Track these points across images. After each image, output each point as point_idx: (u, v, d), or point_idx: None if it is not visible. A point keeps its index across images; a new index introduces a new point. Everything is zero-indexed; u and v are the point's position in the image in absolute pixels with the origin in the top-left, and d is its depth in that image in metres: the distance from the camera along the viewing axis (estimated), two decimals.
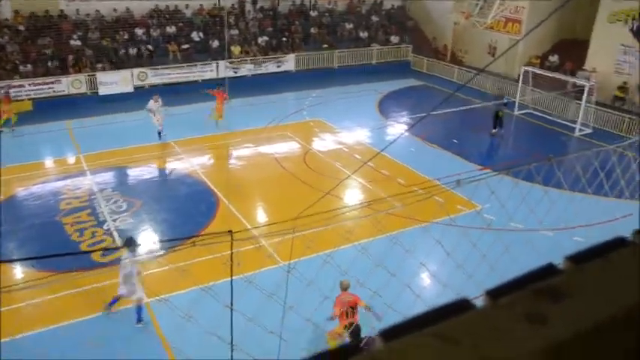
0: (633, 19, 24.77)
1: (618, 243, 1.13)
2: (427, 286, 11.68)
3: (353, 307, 9.35)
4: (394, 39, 34.91)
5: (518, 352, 0.78)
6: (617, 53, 25.55)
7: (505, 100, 23.04)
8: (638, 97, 24.41)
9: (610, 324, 0.84)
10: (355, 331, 7.65)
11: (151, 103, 20.91)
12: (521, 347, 0.79)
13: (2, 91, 23.38)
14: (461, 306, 0.90)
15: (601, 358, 0.82)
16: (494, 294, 0.94)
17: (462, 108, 25.11)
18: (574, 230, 13.69)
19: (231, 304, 4.79)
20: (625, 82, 25.09)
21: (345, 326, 9.24)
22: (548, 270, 1.02)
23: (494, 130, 22.61)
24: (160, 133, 20.98)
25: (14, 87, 24.61)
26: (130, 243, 10.88)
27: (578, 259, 1.06)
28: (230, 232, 4.31)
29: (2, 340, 9.91)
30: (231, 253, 4.53)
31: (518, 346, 0.79)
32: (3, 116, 22.68)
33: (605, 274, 0.98)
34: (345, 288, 9.45)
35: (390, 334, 0.81)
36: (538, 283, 0.95)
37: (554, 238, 13.55)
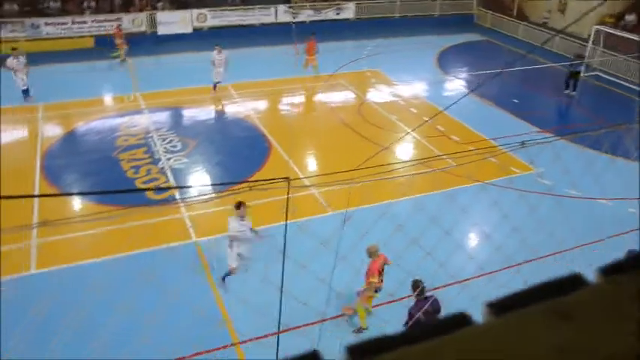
0: None
1: None
2: (480, 248, 11.51)
3: (382, 270, 9.09)
4: None
5: (631, 331, 0.72)
6: None
7: (584, 61, 21.98)
8: None
9: None
10: (417, 287, 7.58)
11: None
12: (634, 326, 0.73)
13: (115, 25, 24.20)
14: (574, 281, 0.84)
15: None
16: (498, 308, 0.83)
17: (526, 67, 24.14)
18: (632, 202, 13.19)
19: (284, 249, 4.84)
20: None
21: (376, 290, 8.98)
22: (575, 281, 0.92)
23: (567, 91, 21.75)
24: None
25: (77, 23, 25.09)
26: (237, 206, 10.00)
27: (610, 270, 0.96)
28: (287, 178, 4.30)
29: (56, 267, 10.45)
30: (287, 200, 4.54)
31: (632, 325, 0.73)
32: (118, 48, 23.57)
33: None
34: (374, 252, 8.81)
35: (499, 307, 0.76)
36: (552, 298, 0.84)
37: (611, 208, 13.09)
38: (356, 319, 8.88)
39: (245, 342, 8.69)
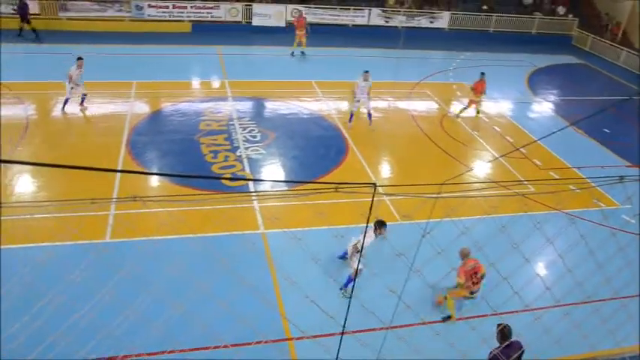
0: None
1: None
2: (558, 280, 10.99)
3: (477, 273, 9.20)
4: (560, 10, 32.35)
5: None
6: None
7: None
8: None
9: None
10: (504, 333, 7.23)
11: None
12: None
13: (297, 15, 25.74)
14: None
15: None
16: None
17: (624, 97, 22.94)
18: None
19: (360, 251, 4.77)
20: None
21: (472, 292, 9.20)
22: None
23: None
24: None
25: (177, 8, 26.06)
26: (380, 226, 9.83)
27: None
28: (374, 184, 4.25)
29: (135, 239, 10.85)
30: (371, 206, 4.48)
31: None
32: (296, 39, 24.56)
33: None
34: (465, 255, 9.25)
35: None
36: None
37: None
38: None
39: (299, 338, 8.70)
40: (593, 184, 12.98)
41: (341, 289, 9.92)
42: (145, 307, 7.51)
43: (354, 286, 9.19)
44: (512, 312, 8.58)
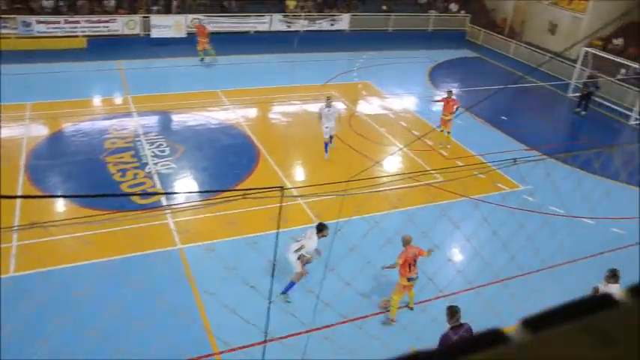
0: None
1: None
2: (469, 263, 11.53)
3: (416, 260, 9.47)
4: (453, 7, 33.92)
5: None
6: None
7: (597, 81, 22.28)
8: None
9: None
10: (453, 311, 7.54)
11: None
12: None
13: (196, 22, 25.13)
14: (606, 301, 0.82)
15: None
16: (533, 325, 0.80)
17: (516, 85, 24.37)
18: (616, 221, 13.35)
19: (274, 260, 4.80)
20: None
21: (409, 279, 9.45)
22: (604, 300, 0.90)
23: (578, 109, 22.12)
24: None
25: (69, 23, 24.97)
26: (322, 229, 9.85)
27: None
28: (281, 187, 4.27)
29: (38, 270, 10.29)
30: (280, 209, 4.51)
31: None
32: (199, 47, 24.04)
33: None
34: (407, 242, 9.43)
35: (535, 324, 0.74)
36: (587, 316, 0.82)
37: (594, 227, 13.22)
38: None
39: (225, 352, 8.59)
40: (493, 169, 13.70)
41: (282, 293, 9.78)
42: (61, 340, 7.16)
43: (288, 289, 9.21)
44: (427, 300, 8.92)
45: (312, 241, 9.59)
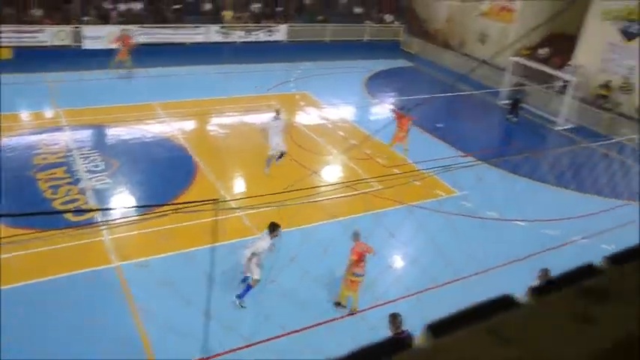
0: (623, 18, 24.88)
1: None
2: (406, 269, 11.71)
3: (364, 257, 9.57)
4: (388, 18, 34.67)
5: (572, 353, 0.74)
6: (604, 51, 25.71)
7: (524, 88, 23.18)
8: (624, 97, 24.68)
9: None
10: (395, 318, 7.61)
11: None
12: (573, 347, 0.75)
13: (122, 34, 24.08)
14: (505, 302, 0.85)
15: None
16: (538, 292, 0.89)
17: (449, 94, 25.07)
18: (546, 223, 13.91)
19: (211, 274, 4.72)
20: (609, 81, 25.27)
21: (356, 274, 9.51)
22: (589, 270, 0.98)
23: (509, 116, 22.94)
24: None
25: None
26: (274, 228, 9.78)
27: (617, 259, 1.03)
28: (215, 200, 4.21)
29: None
30: (215, 222, 4.45)
31: (570, 345, 0.75)
32: (118, 57, 23.22)
33: None
34: (358, 237, 9.58)
35: (438, 329, 0.76)
36: (580, 282, 0.91)
37: (526, 229, 13.73)
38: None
39: None
40: (430, 175, 14.02)
41: (237, 297, 9.42)
42: None
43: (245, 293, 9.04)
44: (368, 309, 8.99)
45: (264, 242, 9.47)
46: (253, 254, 9.45)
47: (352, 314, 9.84)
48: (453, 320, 0.77)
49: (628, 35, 24.85)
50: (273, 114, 15.74)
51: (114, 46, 23.75)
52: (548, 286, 0.90)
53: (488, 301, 0.85)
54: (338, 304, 9.93)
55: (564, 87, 23.62)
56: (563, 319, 0.82)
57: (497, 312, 0.82)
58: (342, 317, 9.49)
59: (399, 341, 0.75)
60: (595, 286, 0.88)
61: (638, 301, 0.87)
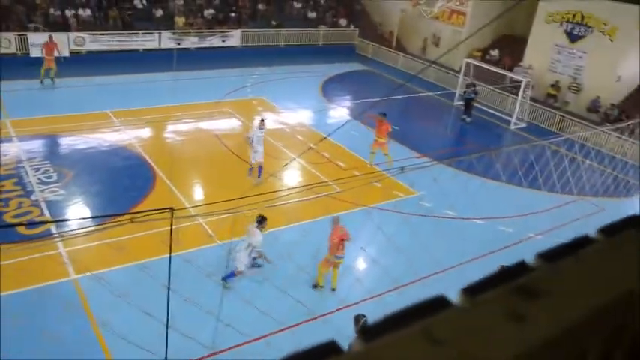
0: (567, 20, 25.75)
1: (585, 241, 1.14)
2: (367, 271, 11.81)
3: (344, 240, 10.03)
4: (342, 22, 34.89)
5: (501, 352, 0.76)
6: (551, 52, 26.55)
7: (476, 89, 23.60)
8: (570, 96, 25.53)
9: (585, 323, 0.84)
10: (359, 320, 7.75)
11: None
12: (503, 347, 0.77)
13: (47, 40, 23.25)
14: (439, 303, 0.87)
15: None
16: (471, 291, 0.92)
17: (405, 96, 25.40)
18: (502, 220, 14.23)
19: (169, 283, 4.66)
20: (557, 81, 26.11)
21: (337, 256, 10.11)
22: (521, 267, 1.02)
23: (463, 117, 23.37)
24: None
25: None
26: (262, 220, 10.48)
27: (550, 256, 1.06)
28: (171, 209, 4.17)
29: None
30: (171, 231, 4.41)
31: (500, 345, 0.77)
32: (45, 66, 22.50)
33: (577, 272, 0.98)
34: (336, 222, 10.27)
35: (370, 332, 0.77)
36: (513, 280, 0.94)
37: (483, 227, 14.02)
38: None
39: None
40: (388, 177, 14.17)
41: (224, 278, 9.83)
42: None
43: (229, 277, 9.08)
44: (330, 312, 9.01)
45: (256, 236, 10.02)
46: (251, 246, 10.05)
47: (334, 290, 10.35)
48: (385, 323, 0.79)
49: (573, 37, 25.74)
50: (257, 123, 15.83)
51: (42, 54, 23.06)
52: (482, 285, 0.94)
53: (423, 302, 0.88)
54: (315, 285, 10.36)
55: (516, 87, 24.26)
56: (495, 318, 0.84)
57: (432, 313, 0.85)
58: (314, 318, 9.47)
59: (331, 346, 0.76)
60: (526, 283, 0.92)
61: (567, 298, 0.91)
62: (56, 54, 22.91)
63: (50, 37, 23.57)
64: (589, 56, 25.06)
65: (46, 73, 22.71)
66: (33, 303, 9.92)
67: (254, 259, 10.40)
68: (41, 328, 8.81)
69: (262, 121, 15.90)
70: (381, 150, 17.33)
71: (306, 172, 16.85)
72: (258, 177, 15.60)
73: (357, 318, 7.78)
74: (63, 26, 26.30)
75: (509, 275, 0.97)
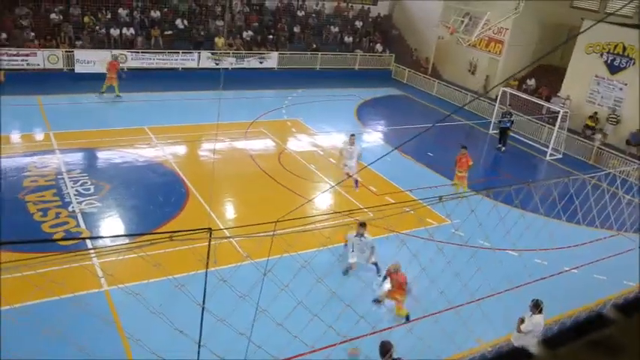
0: (608, 51, 25.41)
1: None
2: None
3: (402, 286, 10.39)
4: (378, 47, 35.10)
5: None
6: (590, 83, 26.18)
7: (512, 118, 23.38)
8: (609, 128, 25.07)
9: None
10: (387, 351, 7.73)
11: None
12: None
13: (111, 57, 24.55)
14: (520, 356, 0.86)
15: None
16: (550, 344, 0.90)
17: (449, 124, 25.31)
18: (538, 253, 13.94)
19: (203, 302, 4.68)
20: (595, 113, 25.69)
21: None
22: (599, 319, 0.98)
23: (499, 146, 23.17)
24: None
25: None
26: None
27: (626, 309, 1.03)
28: (209, 229, 4.20)
29: None
30: (208, 252, 4.42)
31: None
32: (107, 82, 23.39)
33: None
34: (396, 271, 10.64)
35: (552, 342, 0.80)
36: (591, 334, 0.91)
37: (518, 259, 13.75)
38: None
39: None
40: (422, 205, 14.04)
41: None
42: None
43: None
44: (361, 336, 8.92)
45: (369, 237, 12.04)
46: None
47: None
48: (563, 335, 0.82)
49: (613, 69, 25.36)
50: (347, 139, 16.96)
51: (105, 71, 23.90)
52: (561, 338, 0.92)
53: (504, 354, 0.86)
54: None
55: (552, 117, 23.94)
56: None
57: (598, 327, 0.86)
58: (335, 344, 9.38)
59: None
60: (605, 338, 0.89)
61: None
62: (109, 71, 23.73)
63: (114, 57, 24.49)
64: (629, 88, 24.63)
65: (108, 89, 23.55)
66: (63, 313, 10.04)
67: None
68: (70, 337, 8.89)
69: (352, 136, 16.75)
70: (460, 183, 17.15)
71: (338, 196, 16.81)
72: (355, 187, 16.47)
73: (384, 346, 7.66)
74: (107, 44, 27.08)
75: (588, 327, 0.94)
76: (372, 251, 12.20)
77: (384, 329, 9.39)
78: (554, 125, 23.24)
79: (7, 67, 24.29)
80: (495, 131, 24.82)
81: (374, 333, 9.46)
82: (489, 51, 31.52)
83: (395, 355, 7.55)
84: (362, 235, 11.86)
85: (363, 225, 11.85)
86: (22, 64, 24.75)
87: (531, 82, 29.55)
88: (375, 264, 12.26)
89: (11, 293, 10.35)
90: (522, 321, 9.28)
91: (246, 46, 30.76)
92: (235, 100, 25.46)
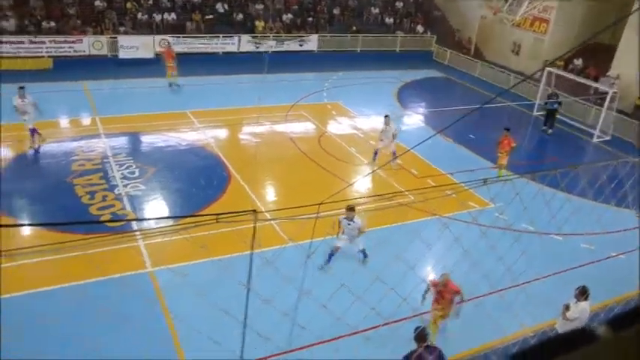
0: None
1: None
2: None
3: (442, 294, 9.52)
4: (419, 28, 34.57)
5: None
6: None
7: (559, 99, 22.81)
8: None
9: None
10: (423, 336, 7.54)
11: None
12: None
13: (165, 44, 25.07)
14: (584, 336, 0.85)
15: None
16: (616, 325, 0.89)
17: (493, 105, 24.83)
18: (584, 237, 13.62)
19: (248, 283, 4.75)
20: None
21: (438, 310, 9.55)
22: None
23: (544, 128, 22.66)
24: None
25: (34, 43, 24.62)
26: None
27: None
28: (254, 211, 4.25)
29: (7, 296, 9.98)
30: (254, 233, 4.48)
31: None
32: (168, 71, 23.73)
33: None
34: (444, 284, 9.56)
35: (617, 324, 0.81)
36: None
37: (564, 243, 13.47)
38: None
39: None
40: (465, 188, 13.88)
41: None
42: None
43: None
44: (402, 319, 8.92)
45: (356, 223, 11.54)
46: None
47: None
48: (628, 316, 0.83)
49: None
50: (383, 120, 17.66)
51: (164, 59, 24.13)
52: (625, 320, 0.91)
53: (567, 335, 0.86)
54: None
55: (601, 98, 23.16)
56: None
57: (577, 347, 0.83)
58: (377, 326, 9.42)
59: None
60: None
61: None
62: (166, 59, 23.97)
63: (168, 44, 24.74)
64: None
65: (173, 76, 23.84)
66: (110, 291, 10.36)
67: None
68: (116, 315, 9.17)
69: (386, 116, 17.55)
70: (500, 165, 16.97)
71: (379, 179, 16.75)
72: (391, 162, 16.79)
73: (421, 332, 7.58)
74: (149, 29, 27.49)
75: None
76: (359, 236, 11.74)
77: (426, 312, 9.36)
78: (602, 106, 22.49)
79: (55, 54, 24.98)
80: (540, 113, 24.20)
81: (415, 316, 9.45)
82: (534, 30, 30.63)
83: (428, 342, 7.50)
84: (351, 219, 11.51)
85: (351, 209, 11.43)
86: (70, 51, 25.39)
87: (578, 61, 28.61)
88: (363, 251, 11.67)
89: (61, 273, 10.77)
90: (567, 308, 9.10)
91: (285, 29, 30.74)
92: (275, 84, 25.52)
